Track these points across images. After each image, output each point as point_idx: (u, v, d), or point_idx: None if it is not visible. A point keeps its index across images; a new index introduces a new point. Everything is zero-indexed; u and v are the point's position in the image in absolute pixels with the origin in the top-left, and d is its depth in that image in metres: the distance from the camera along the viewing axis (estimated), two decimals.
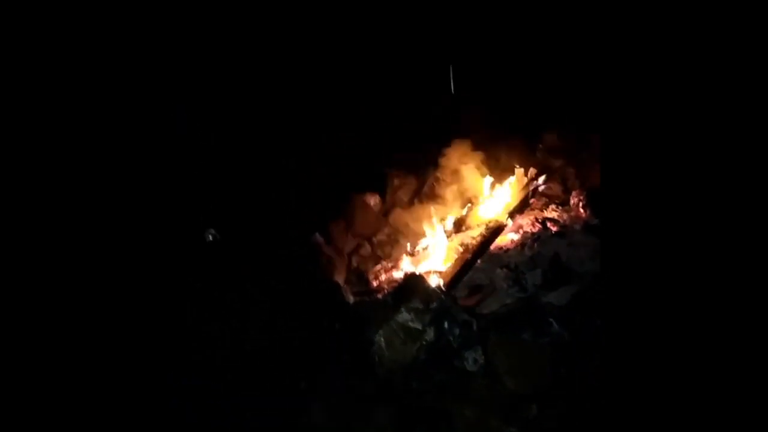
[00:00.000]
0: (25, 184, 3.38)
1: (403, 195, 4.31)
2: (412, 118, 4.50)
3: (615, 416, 2.26)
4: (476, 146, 4.31)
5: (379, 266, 3.82)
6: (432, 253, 3.82)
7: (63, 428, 2.67)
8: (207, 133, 4.06)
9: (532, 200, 4.07)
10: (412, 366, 2.80)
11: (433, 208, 4.06)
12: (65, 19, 3.73)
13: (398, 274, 3.70)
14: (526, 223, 3.89)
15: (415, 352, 2.82)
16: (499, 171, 4.28)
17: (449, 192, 4.23)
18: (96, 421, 2.66)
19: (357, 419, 2.58)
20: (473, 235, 3.75)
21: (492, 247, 3.71)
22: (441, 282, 3.40)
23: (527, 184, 4.10)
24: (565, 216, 3.91)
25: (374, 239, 4.03)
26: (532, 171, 4.13)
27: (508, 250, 3.71)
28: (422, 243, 3.88)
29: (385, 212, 4.24)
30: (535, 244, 3.65)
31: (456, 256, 3.62)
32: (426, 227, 3.93)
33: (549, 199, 4.12)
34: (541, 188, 4.14)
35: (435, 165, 4.39)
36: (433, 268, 3.65)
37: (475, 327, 2.90)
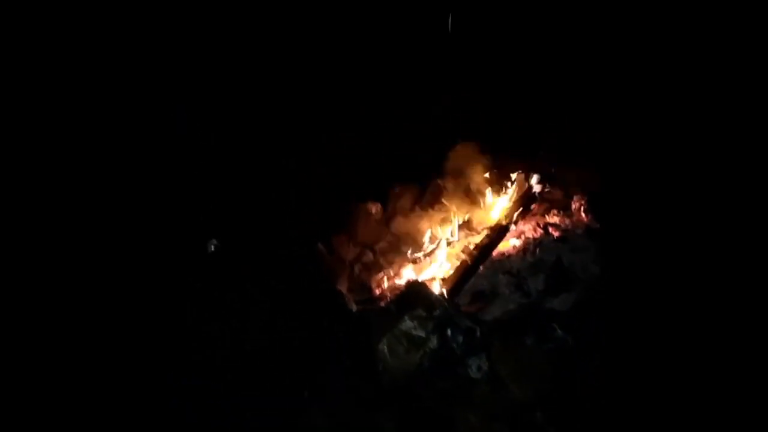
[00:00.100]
0: (25, 183, 3.39)
1: (405, 202, 4.30)
2: (412, 118, 4.50)
3: (618, 420, 2.26)
4: (478, 151, 4.30)
5: (381, 274, 3.81)
6: (434, 260, 3.82)
7: (63, 428, 2.67)
8: (207, 133, 4.07)
9: (533, 205, 4.07)
10: (416, 374, 2.79)
11: (434, 215, 4.06)
12: (65, 19, 3.76)
13: (401, 282, 3.69)
14: (528, 228, 3.89)
15: (419, 359, 2.82)
16: (501, 177, 4.27)
17: (450, 199, 4.23)
18: (96, 421, 2.67)
19: (360, 428, 2.57)
20: (475, 241, 3.75)
21: (494, 253, 3.71)
22: (444, 289, 3.40)
23: (528, 190, 4.10)
24: (566, 221, 3.91)
25: (376, 247, 4.02)
26: (533, 176, 4.13)
27: (510, 256, 3.70)
28: (424, 250, 3.88)
29: (387, 220, 4.23)
30: (537, 250, 3.65)
31: (458, 263, 3.62)
32: (428, 235, 3.93)
33: (550, 204, 4.12)
34: (542, 193, 4.14)
35: (436, 170, 4.38)
36: (435, 276, 3.65)
37: (478, 334, 2.90)
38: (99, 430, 2.68)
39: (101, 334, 2.96)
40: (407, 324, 2.89)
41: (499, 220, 3.91)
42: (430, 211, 4.12)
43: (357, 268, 3.84)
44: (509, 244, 3.82)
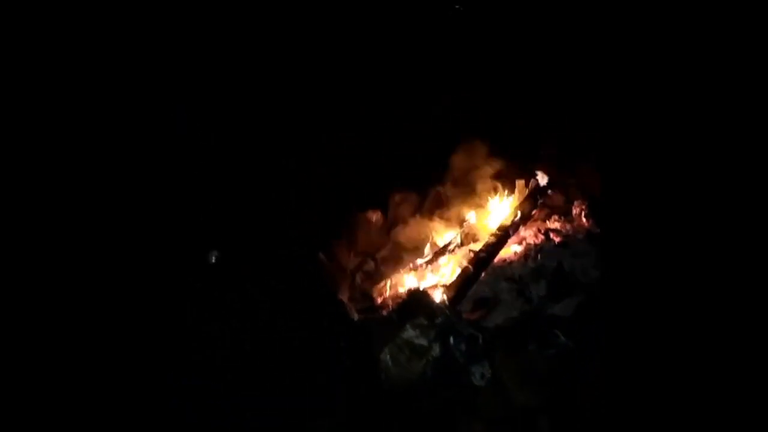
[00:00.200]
0: (25, 183, 3.40)
1: (405, 210, 4.31)
2: (412, 118, 4.50)
3: (621, 425, 2.25)
4: (479, 154, 4.30)
5: (382, 283, 3.81)
6: (435, 268, 3.81)
7: (63, 428, 2.67)
8: (207, 133, 4.08)
9: (534, 211, 4.07)
10: (419, 382, 2.78)
11: (435, 223, 4.07)
12: (65, 20, 3.78)
13: (402, 291, 3.69)
14: (529, 234, 3.89)
15: (422, 368, 2.81)
16: (501, 183, 4.27)
17: (451, 206, 4.23)
18: (96, 421, 2.67)
19: None
20: (476, 248, 3.74)
21: (495, 259, 3.71)
22: (445, 297, 3.39)
23: (529, 195, 4.09)
24: (567, 226, 3.91)
25: (377, 256, 4.02)
26: (533, 182, 4.13)
27: (511, 262, 3.70)
28: (425, 258, 3.88)
29: (388, 228, 4.23)
30: (539, 256, 3.65)
31: (459, 271, 3.61)
32: (428, 242, 3.93)
33: (551, 209, 4.11)
34: (542, 199, 4.14)
35: (437, 171, 4.37)
36: (437, 283, 3.64)
37: (481, 341, 2.90)
38: (99, 430, 2.68)
39: (101, 334, 2.96)
40: (409, 333, 2.88)
41: (500, 226, 3.91)
42: (431, 219, 4.12)
43: (358, 277, 3.84)
44: (510, 250, 3.81)
